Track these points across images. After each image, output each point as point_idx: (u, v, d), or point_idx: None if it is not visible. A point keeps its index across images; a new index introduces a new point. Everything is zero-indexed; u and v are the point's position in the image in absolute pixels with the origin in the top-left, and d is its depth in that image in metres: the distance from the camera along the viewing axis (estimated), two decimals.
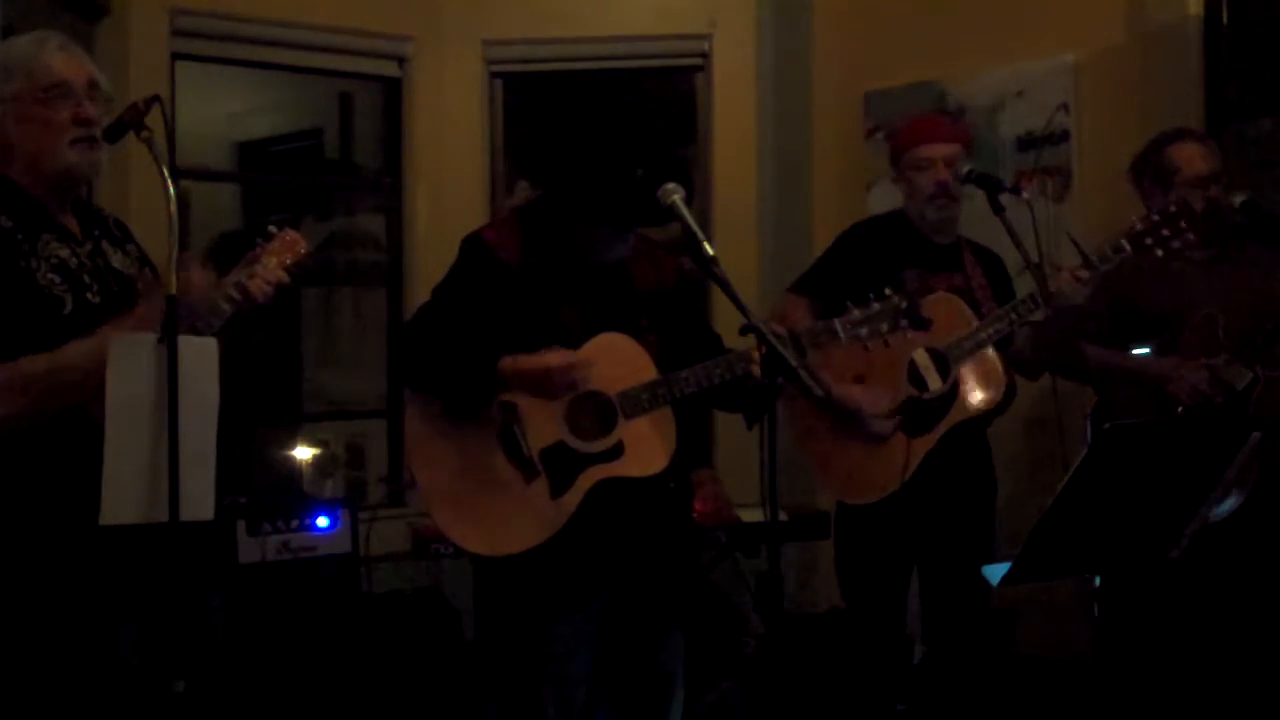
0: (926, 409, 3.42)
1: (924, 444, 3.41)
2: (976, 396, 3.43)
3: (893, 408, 3.41)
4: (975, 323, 3.40)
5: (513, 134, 5.37)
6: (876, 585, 3.59)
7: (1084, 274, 3.24)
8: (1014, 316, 3.36)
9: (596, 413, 2.80)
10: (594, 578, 2.84)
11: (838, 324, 2.89)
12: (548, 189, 2.90)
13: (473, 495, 2.79)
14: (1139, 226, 3.24)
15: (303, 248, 2.62)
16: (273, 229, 2.62)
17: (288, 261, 2.59)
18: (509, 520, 2.77)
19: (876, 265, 3.44)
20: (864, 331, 2.87)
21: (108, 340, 2.27)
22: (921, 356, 3.41)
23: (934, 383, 3.41)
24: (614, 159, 2.78)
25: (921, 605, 3.67)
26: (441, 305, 2.87)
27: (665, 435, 2.84)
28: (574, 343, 2.82)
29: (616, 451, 2.80)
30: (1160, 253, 3.24)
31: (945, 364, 3.41)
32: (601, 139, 2.83)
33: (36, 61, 2.43)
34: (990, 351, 3.42)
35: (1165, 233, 3.22)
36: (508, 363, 2.75)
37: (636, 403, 2.80)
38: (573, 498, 2.78)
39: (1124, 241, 3.25)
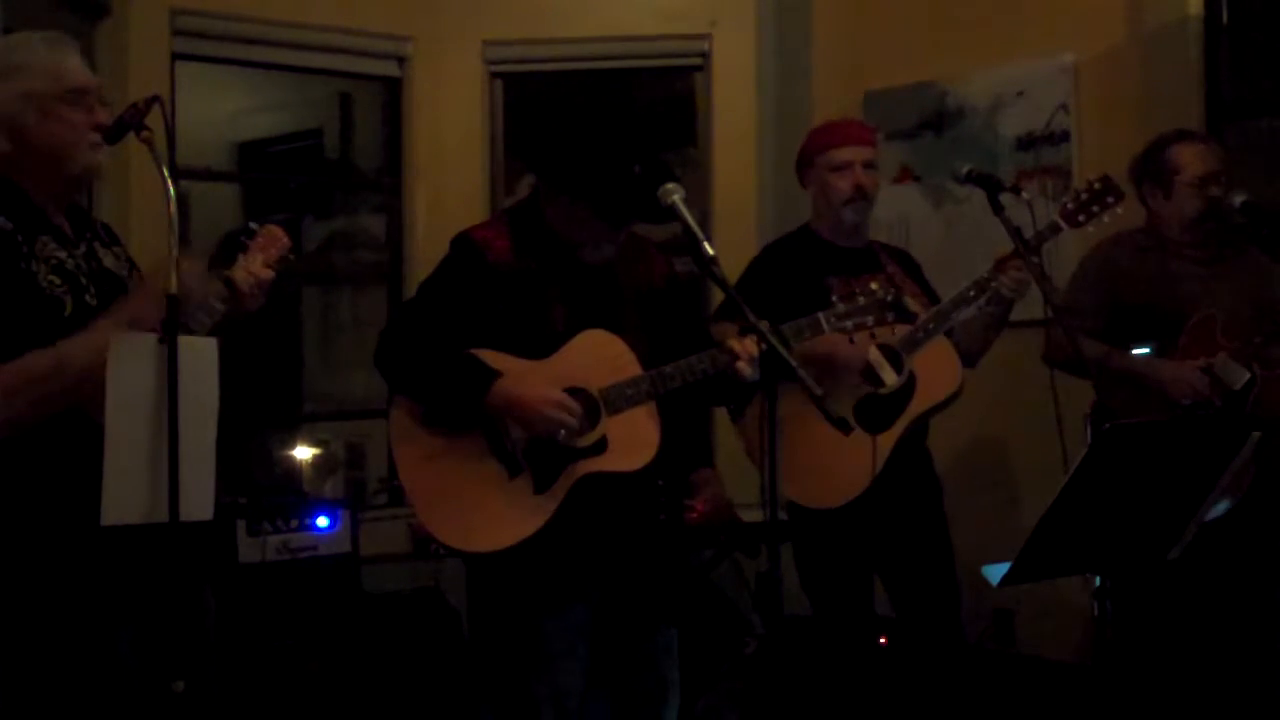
0: (885, 404, 3.41)
1: (887, 440, 3.38)
2: (933, 386, 3.42)
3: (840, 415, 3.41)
4: (919, 311, 3.41)
5: (513, 133, 5.37)
6: (840, 590, 3.56)
7: (1019, 264, 3.25)
8: (956, 300, 3.38)
9: (580, 408, 2.80)
10: (584, 575, 2.84)
11: (822, 317, 2.90)
12: (548, 182, 2.88)
13: (457, 491, 2.78)
14: (1069, 205, 3.32)
15: (285, 241, 2.61)
16: (254, 226, 2.61)
17: (273, 258, 2.58)
18: (493, 516, 2.77)
19: (796, 280, 3.44)
20: (849, 324, 2.88)
21: (105, 334, 2.27)
22: (874, 353, 3.40)
23: (889, 378, 3.41)
24: (613, 155, 2.78)
25: (894, 611, 3.65)
26: (428, 308, 2.86)
27: (650, 430, 2.84)
28: (560, 341, 2.82)
29: (600, 446, 2.80)
30: (1092, 228, 3.33)
31: (898, 358, 3.41)
32: (602, 135, 2.83)
33: (63, 63, 2.44)
34: (941, 340, 3.43)
35: (1095, 208, 3.30)
36: (503, 392, 2.74)
37: (620, 398, 2.80)
38: (557, 493, 2.78)
39: (1059, 220, 3.32)
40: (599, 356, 2.82)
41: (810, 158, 3.65)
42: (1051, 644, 4.34)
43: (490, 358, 2.78)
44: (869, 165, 3.59)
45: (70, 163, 2.43)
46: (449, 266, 2.89)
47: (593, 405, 2.80)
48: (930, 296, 3.59)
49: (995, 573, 2.39)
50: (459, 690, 4.32)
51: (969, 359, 3.57)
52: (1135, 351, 3.55)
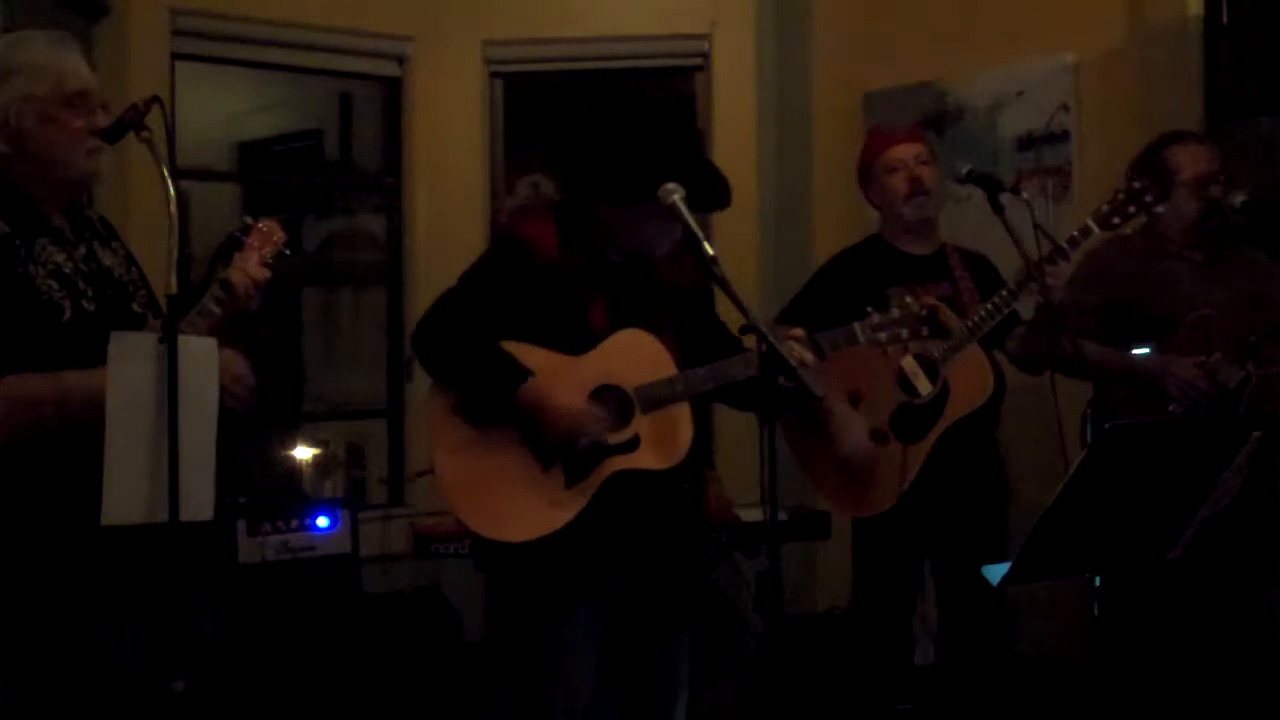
0: (920, 414, 3.43)
1: (920, 450, 3.42)
2: (967, 393, 3.43)
3: (876, 426, 3.44)
4: (958, 321, 3.40)
5: (513, 134, 5.38)
6: (888, 586, 3.59)
7: (1054, 266, 3.23)
8: (991, 309, 3.38)
9: (615, 406, 2.82)
10: (604, 572, 2.86)
11: (857, 328, 2.92)
12: (598, 185, 2.87)
13: (489, 481, 2.81)
14: (1104, 207, 3.28)
15: (280, 237, 2.61)
16: (249, 220, 2.61)
17: (268, 255, 2.57)
18: (524, 507, 2.80)
19: (859, 289, 3.44)
20: (883, 336, 2.90)
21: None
22: (909, 363, 3.42)
23: (924, 387, 3.42)
24: (671, 149, 2.81)
25: (938, 608, 3.67)
26: (468, 299, 2.89)
27: (682, 430, 2.86)
28: (599, 338, 2.85)
29: (633, 444, 2.83)
30: (1129, 231, 3.27)
31: (933, 367, 3.42)
32: (660, 132, 2.87)
33: (66, 66, 2.42)
34: (974, 347, 3.43)
35: (1131, 209, 3.26)
36: (531, 393, 2.76)
37: (654, 397, 2.83)
38: (588, 488, 2.81)
39: (1091, 223, 3.28)
40: (635, 355, 2.85)
41: (868, 170, 3.68)
42: (1051, 644, 4.33)
43: (526, 352, 2.81)
44: (923, 161, 3.61)
45: (66, 169, 2.42)
46: (492, 259, 2.93)
47: (626, 403, 2.82)
48: None
49: (995, 573, 2.39)
50: (460, 690, 4.32)
51: (1030, 366, 3.58)
52: (1135, 352, 3.56)
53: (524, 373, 2.77)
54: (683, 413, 2.86)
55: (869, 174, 3.69)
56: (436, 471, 2.86)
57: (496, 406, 2.79)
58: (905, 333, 2.90)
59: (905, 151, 3.62)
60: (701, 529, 3.15)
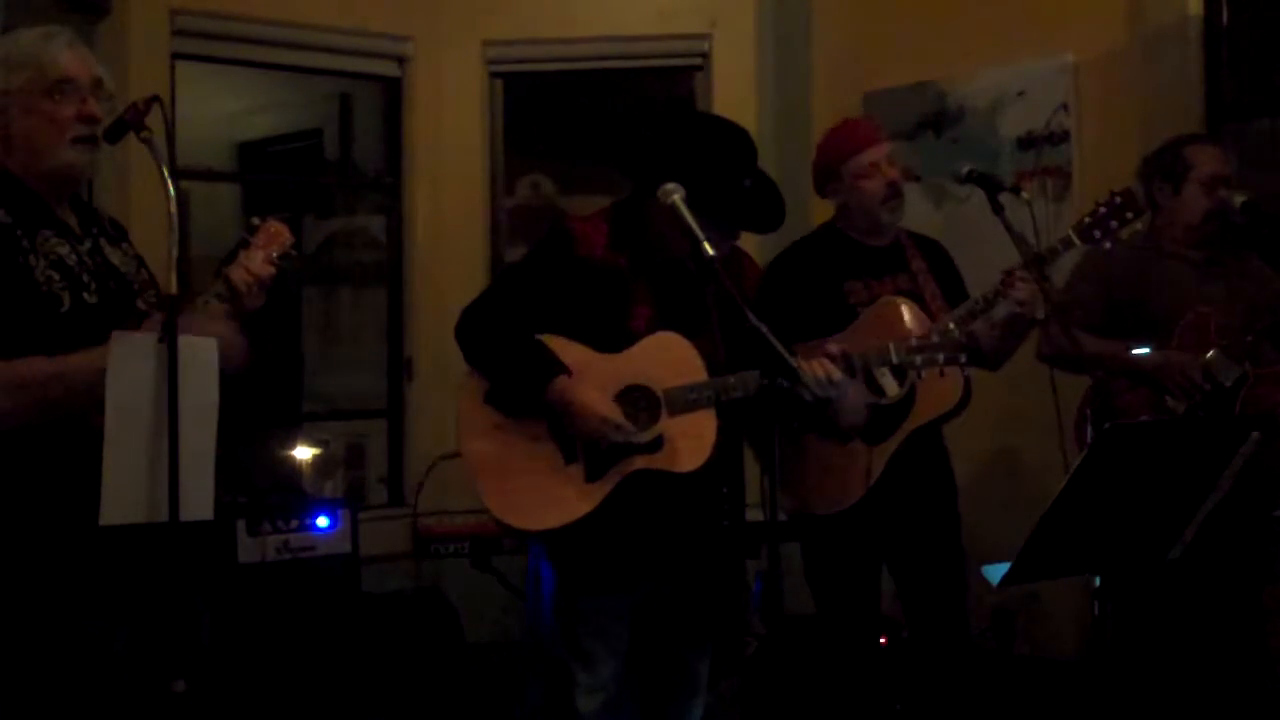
0: (885, 415, 3.38)
1: (884, 450, 3.38)
2: (934, 399, 3.38)
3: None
4: (928, 323, 3.32)
5: (513, 134, 5.38)
6: (846, 590, 3.54)
7: (1027, 275, 3.17)
8: (964, 318, 3.31)
9: (642, 406, 2.86)
10: (627, 567, 2.90)
11: (892, 347, 2.91)
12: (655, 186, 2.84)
13: (514, 466, 2.87)
14: (1086, 220, 3.24)
15: (286, 238, 2.60)
16: (255, 221, 2.60)
17: (274, 255, 2.57)
18: (542, 497, 2.85)
19: (816, 284, 3.43)
20: (919, 359, 2.90)
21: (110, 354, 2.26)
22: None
23: (891, 389, 3.38)
24: (727, 168, 2.85)
25: (902, 607, 3.65)
26: (511, 290, 2.96)
27: (707, 435, 2.88)
28: (637, 339, 2.88)
29: (656, 444, 2.86)
30: (1108, 244, 3.24)
31: (903, 370, 3.36)
32: (717, 148, 2.89)
33: (45, 56, 2.41)
34: None
35: (1113, 223, 3.21)
36: (558, 390, 2.80)
37: (681, 401, 2.85)
38: (606, 483, 2.85)
39: (1072, 235, 3.25)
40: (668, 358, 2.88)
41: (834, 169, 3.56)
42: (1051, 644, 4.34)
43: (561, 346, 2.86)
44: (891, 162, 3.57)
45: (48, 159, 2.40)
46: (538, 252, 2.99)
47: (654, 403, 2.85)
48: (956, 291, 3.52)
49: (995, 573, 2.40)
50: (459, 690, 4.33)
51: (993, 360, 3.54)
52: (1135, 351, 3.56)
53: (556, 368, 2.82)
54: (708, 418, 2.88)
55: (834, 175, 3.56)
56: (463, 454, 2.92)
57: (526, 399, 2.84)
58: (942, 356, 2.91)
59: (877, 154, 3.53)
60: (744, 534, 3.18)
